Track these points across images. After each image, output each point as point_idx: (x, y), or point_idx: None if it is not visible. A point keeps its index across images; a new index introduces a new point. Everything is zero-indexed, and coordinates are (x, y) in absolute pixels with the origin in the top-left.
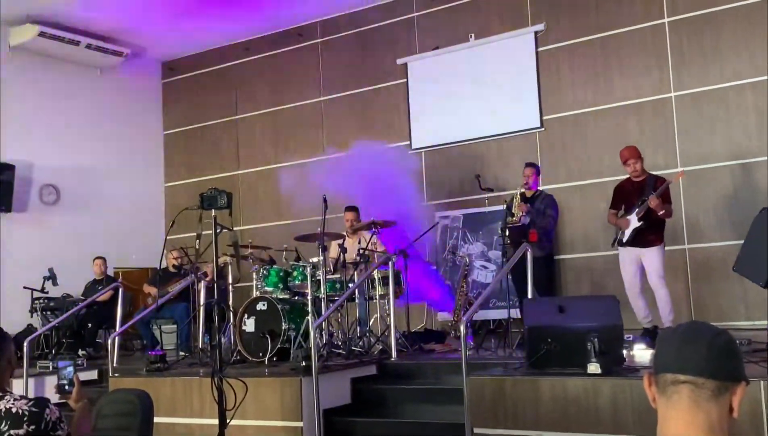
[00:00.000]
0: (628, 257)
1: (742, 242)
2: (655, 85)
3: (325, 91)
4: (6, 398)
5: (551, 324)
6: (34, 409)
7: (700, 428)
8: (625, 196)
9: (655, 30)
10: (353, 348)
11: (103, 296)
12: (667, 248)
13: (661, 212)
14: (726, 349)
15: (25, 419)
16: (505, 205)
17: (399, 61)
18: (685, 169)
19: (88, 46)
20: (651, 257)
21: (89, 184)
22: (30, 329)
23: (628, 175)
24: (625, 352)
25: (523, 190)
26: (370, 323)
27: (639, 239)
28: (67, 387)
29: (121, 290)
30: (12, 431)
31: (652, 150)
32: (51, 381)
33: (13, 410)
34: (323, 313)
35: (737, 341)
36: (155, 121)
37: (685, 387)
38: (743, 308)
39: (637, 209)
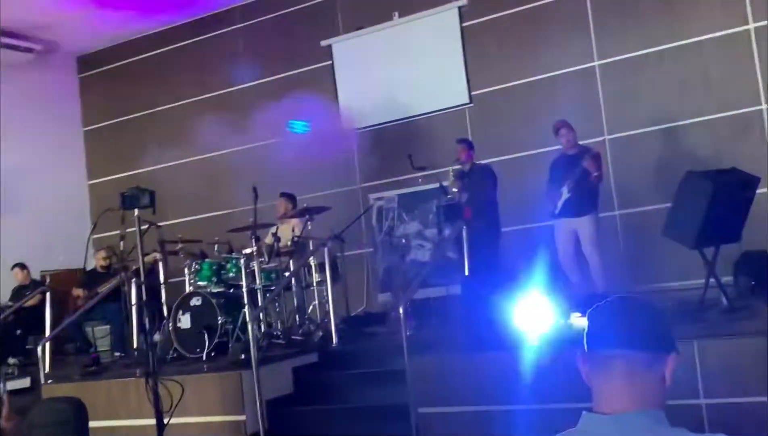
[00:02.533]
0: (561, 228)
1: (670, 205)
2: (579, 55)
3: (250, 77)
4: None
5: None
6: None
7: (635, 400)
8: (559, 171)
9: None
10: (293, 337)
11: (31, 300)
12: (599, 215)
13: (595, 175)
14: (656, 322)
15: None
16: (438, 184)
17: (323, 43)
18: (612, 136)
19: None
20: (584, 226)
21: (9, 184)
22: None
23: (561, 150)
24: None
25: (458, 166)
26: (309, 310)
27: (572, 209)
28: None
29: (48, 294)
30: None
31: (580, 119)
32: None
33: None
34: (260, 304)
35: (665, 312)
36: (74, 118)
37: (618, 361)
38: (676, 268)
39: (568, 181)
